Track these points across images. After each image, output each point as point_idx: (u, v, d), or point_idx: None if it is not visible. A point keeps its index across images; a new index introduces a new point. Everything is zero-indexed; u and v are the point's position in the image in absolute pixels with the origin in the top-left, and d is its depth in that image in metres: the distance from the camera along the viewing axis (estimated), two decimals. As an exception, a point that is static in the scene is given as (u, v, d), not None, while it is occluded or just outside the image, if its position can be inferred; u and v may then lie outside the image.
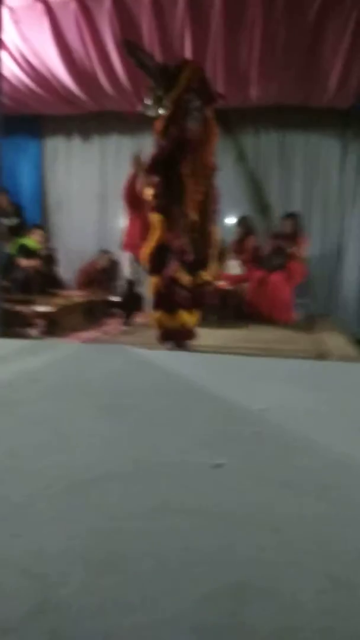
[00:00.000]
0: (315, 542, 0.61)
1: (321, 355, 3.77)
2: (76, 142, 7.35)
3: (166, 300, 3.45)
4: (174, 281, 3.38)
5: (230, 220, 6.59)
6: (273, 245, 5.71)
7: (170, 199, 3.39)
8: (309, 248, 6.23)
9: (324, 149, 6.57)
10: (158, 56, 5.13)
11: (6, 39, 4.95)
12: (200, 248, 3.51)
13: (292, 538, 0.61)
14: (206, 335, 4.71)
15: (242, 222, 6.30)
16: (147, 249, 3.57)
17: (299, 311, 6.04)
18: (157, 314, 3.50)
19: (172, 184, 3.38)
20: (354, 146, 6.47)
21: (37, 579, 0.51)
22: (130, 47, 3.64)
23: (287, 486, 0.75)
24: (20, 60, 5.69)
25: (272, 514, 0.67)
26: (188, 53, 5.24)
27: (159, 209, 3.46)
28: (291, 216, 5.89)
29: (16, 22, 5.14)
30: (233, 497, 0.71)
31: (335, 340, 4.63)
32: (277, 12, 4.77)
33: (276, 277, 5.52)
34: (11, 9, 4.95)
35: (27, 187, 7.41)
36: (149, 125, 3.76)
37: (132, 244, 5.21)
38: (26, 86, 6.13)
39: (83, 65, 5.63)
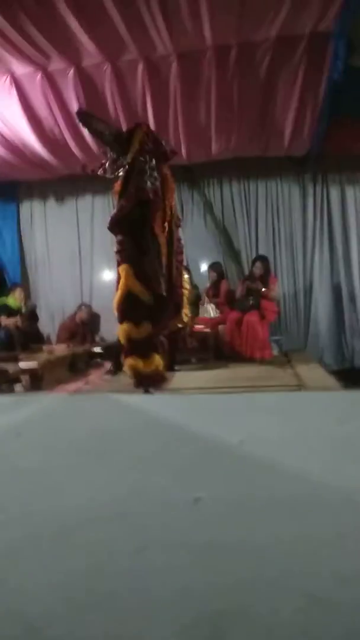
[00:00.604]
0: (292, 563, 0.63)
1: (301, 388, 3.91)
2: (51, 204, 7.62)
3: (141, 346, 3.50)
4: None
5: (204, 266, 6.86)
6: (245, 287, 5.92)
7: (139, 253, 3.50)
8: (280, 287, 6.49)
9: (284, 194, 6.92)
10: (122, 120, 5.49)
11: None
12: (170, 296, 3.60)
13: (271, 561, 0.63)
14: (190, 378, 4.85)
15: (215, 267, 6.53)
16: (116, 298, 3.64)
17: (275, 348, 6.23)
18: (131, 360, 3.51)
19: (141, 239, 3.49)
20: (311, 190, 6.84)
21: (24, 620, 0.53)
22: (83, 117, 3.76)
23: (264, 513, 0.77)
24: (-8, 130, 5.91)
25: (250, 540, 0.69)
26: (150, 116, 5.57)
27: (125, 261, 3.55)
28: (260, 259, 6.12)
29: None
30: (212, 528, 0.73)
31: (313, 373, 4.74)
32: (229, 72, 5.10)
33: (251, 317, 5.70)
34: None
35: (6, 248, 7.61)
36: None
37: None
38: (0, 155, 6.39)
39: (52, 133, 5.87)
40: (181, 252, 3.80)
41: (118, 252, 3.61)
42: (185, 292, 3.78)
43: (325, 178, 6.83)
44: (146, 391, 3.33)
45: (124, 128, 5.23)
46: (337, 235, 6.83)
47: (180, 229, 3.90)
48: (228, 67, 5.07)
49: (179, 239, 3.83)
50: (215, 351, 5.87)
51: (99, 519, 0.76)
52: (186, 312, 3.68)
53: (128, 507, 0.80)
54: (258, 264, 6.00)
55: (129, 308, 3.50)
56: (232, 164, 6.73)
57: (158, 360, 3.58)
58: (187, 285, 3.82)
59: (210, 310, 6.38)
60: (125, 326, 3.52)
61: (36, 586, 0.59)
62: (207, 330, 5.96)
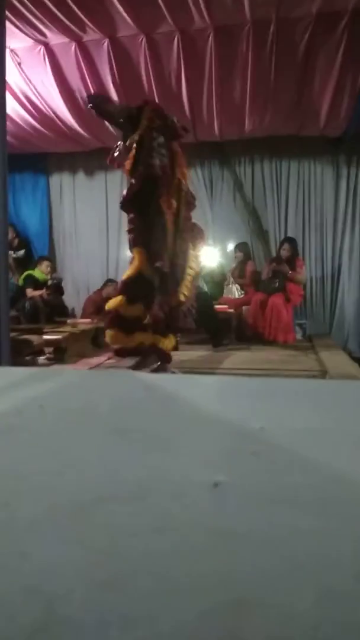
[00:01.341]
0: (312, 555, 0.61)
1: (324, 374, 3.90)
2: (81, 177, 7.61)
3: (127, 323, 3.59)
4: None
5: (230, 246, 6.81)
6: (271, 269, 5.87)
7: (148, 232, 3.53)
8: (307, 270, 6.42)
9: (317, 175, 6.77)
10: (155, 94, 5.43)
11: (10, 80, 5.19)
12: (175, 272, 3.61)
13: (289, 552, 0.62)
14: (207, 359, 4.87)
15: (241, 247, 6.48)
16: (125, 274, 3.71)
17: (299, 332, 6.19)
18: (111, 332, 3.65)
19: (149, 218, 3.51)
20: (345, 171, 6.68)
21: (42, 595, 0.53)
22: (93, 101, 3.71)
23: (284, 502, 0.75)
24: (24, 101, 5.94)
25: (269, 529, 0.67)
26: (184, 90, 5.51)
27: (136, 242, 3.60)
28: (288, 240, 6.06)
29: (19, 64, 5.39)
30: (231, 514, 0.72)
31: (336, 359, 4.71)
32: (266, 49, 4.99)
33: (276, 300, 5.66)
34: (13, 51, 5.21)
35: (35, 220, 7.67)
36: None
37: None
38: (31, 126, 6.39)
39: (85, 105, 5.88)
40: (189, 230, 3.78)
41: (129, 230, 3.65)
42: (191, 271, 3.75)
43: (360, 161, 6.67)
44: (167, 370, 3.44)
45: (157, 101, 5.22)
46: (368, 220, 6.69)
47: (192, 207, 3.86)
48: (266, 43, 4.95)
49: (189, 218, 3.80)
50: (238, 332, 5.85)
51: (118, 498, 0.76)
52: (184, 291, 3.66)
53: (147, 487, 0.80)
54: (286, 246, 5.94)
55: (132, 287, 3.58)
56: (264, 142, 6.62)
57: (141, 337, 3.63)
58: (194, 265, 3.79)
59: (235, 290, 6.36)
60: (119, 299, 3.60)
61: (55, 562, 0.59)
62: (231, 310, 5.94)
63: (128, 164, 3.53)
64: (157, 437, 1.08)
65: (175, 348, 3.93)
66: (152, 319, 3.55)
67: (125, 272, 3.75)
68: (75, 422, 1.19)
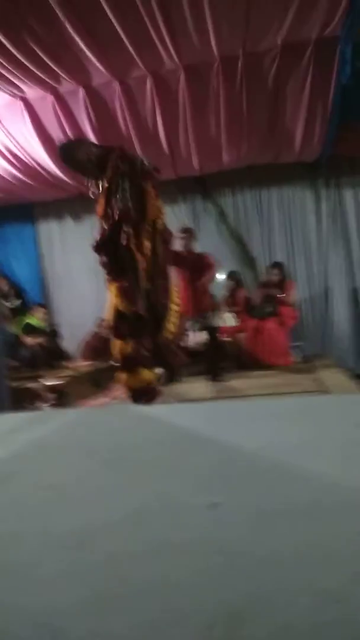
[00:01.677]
0: (309, 563, 0.62)
1: (324, 394, 3.90)
2: (68, 222, 7.74)
3: (128, 362, 3.54)
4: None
5: (221, 275, 6.86)
6: (263, 294, 5.92)
7: (121, 273, 3.54)
8: (297, 293, 6.48)
9: (298, 199, 6.92)
10: (133, 136, 5.57)
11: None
12: (151, 314, 3.60)
13: (287, 562, 0.63)
14: (209, 388, 4.86)
15: (231, 276, 6.55)
16: (107, 315, 3.72)
17: (295, 354, 6.20)
18: (122, 376, 3.59)
19: (121, 260, 3.52)
20: (325, 193, 6.83)
21: (48, 627, 0.54)
22: (62, 152, 3.83)
23: (280, 517, 0.76)
24: (6, 153, 6.08)
25: (267, 543, 0.69)
26: (160, 130, 5.65)
27: (112, 281, 3.60)
28: (276, 265, 6.13)
29: (-1, 119, 5.56)
30: (229, 533, 0.73)
31: (335, 378, 4.72)
32: (237, 83, 5.15)
33: (270, 324, 5.69)
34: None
35: (26, 269, 7.75)
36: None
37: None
38: (15, 177, 6.51)
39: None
40: (165, 268, 3.82)
41: (106, 273, 3.66)
42: (175, 307, 3.79)
43: (338, 182, 6.82)
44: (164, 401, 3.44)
45: (135, 143, 5.34)
46: (352, 238, 6.79)
47: (169, 244, 3.91)
48: (235, 77, 5.11)
49: (167, 254, 3.84)
50: (236, 360, 5.85)
51: (117, 524, 0.78)
52: (170, 328, 3.69)
53: (144, 513, 0.81)
54: (275, 270, 6.02)
55: (117, 325, 3.58)
56: (244, 172, 6.77)
57: (147, 374, 3.59)
58: (177, 301, 3.85)
59: (228, 318, 6.38)
60: (117, 343, 3.60)
61: (58, 592, 0.61)
62: (228, 339, 5.95)
63: (100, 208, 3.60)
64: (152, 464, 1.10)
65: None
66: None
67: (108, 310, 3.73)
68: (74, 459, 1.21)
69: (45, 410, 4.03)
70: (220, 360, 5.31)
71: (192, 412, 1.72)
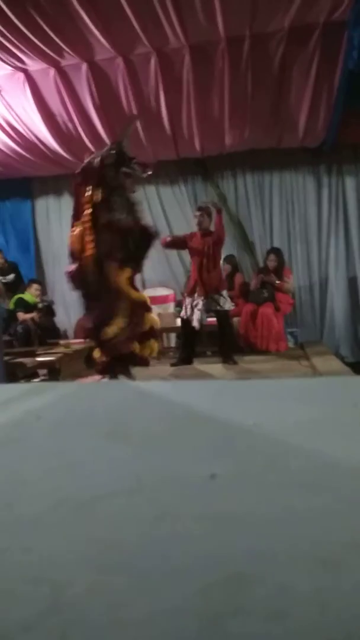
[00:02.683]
0: (305, 532, 0.64)
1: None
2: (67, 199, 7.64)
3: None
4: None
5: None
6: (260, 279, 5.93)
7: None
8: (295, 279, 6.48)
9: (299, 185, 6.86)
10: (136, 113, 5.51)
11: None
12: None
13: (286, 530, 0.64)
14: (208, 369, 4.90)
15: (228, 260, 6.53)
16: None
17: (290, 340, 6.23)
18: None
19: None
20: (327, 180, 6.78)
21: (48, 583, 0.55)
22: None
23: (279, 486, 0.78)
24: (5, 127, 6.00)
25: (266, 510, 0.70)
26: (163, 108, 5.59)
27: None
28: (274, 251, 6.13)
29: (-1, 91, 5.49)
30: (227, 501, 0.74)
31: (329, 365, 4.76)
32: (242, 64, 5.09)
33: (266, 310, 5.71)
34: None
35: (22, 245, 7.69)
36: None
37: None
38: (14, 151, 6.44)
39: (66, 128, 5.91)
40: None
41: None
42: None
43: (341, 169, 6.77)
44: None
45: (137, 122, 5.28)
46: (352, 226, 6.76)
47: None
48: (241, 58, 5.06)
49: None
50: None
51: (117, 493, 0.79)
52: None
53: (145, 482, 0.83)
54: (272, 257, 6.01)
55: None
56: (246, 156, 6.72)
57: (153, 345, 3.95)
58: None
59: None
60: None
61: (60, 553, 0.63)
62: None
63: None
64: (153, 437, 1.10)
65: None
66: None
67: None
68: (72, 430, 1.22)
69: (41, 383, 4.07)
70: (231, 344, 5.37)
71: (190, 389, 1.73)
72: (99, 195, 3.63)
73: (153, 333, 4.01)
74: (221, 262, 6.57)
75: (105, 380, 4.11)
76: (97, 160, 3.71)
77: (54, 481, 0.87)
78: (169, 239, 5.53)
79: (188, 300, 5.20)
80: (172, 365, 5.16)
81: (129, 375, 3.79)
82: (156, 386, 1.93)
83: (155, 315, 4.36)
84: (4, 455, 1.05)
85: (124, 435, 1.11)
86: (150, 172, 4.00)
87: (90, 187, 3.67)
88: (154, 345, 4.01)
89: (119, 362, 3.84)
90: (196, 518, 0.70)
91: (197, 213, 5.30)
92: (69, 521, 0.71)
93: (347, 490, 0.77)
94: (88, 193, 3.67)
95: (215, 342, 5.57)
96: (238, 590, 0.53)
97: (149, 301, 4.05)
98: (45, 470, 0.93)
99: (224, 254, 6.65)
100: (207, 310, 5.17)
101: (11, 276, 6.93)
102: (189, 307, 5.17)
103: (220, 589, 0.53)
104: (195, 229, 5.31)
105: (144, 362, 4.00)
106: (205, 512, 0.71)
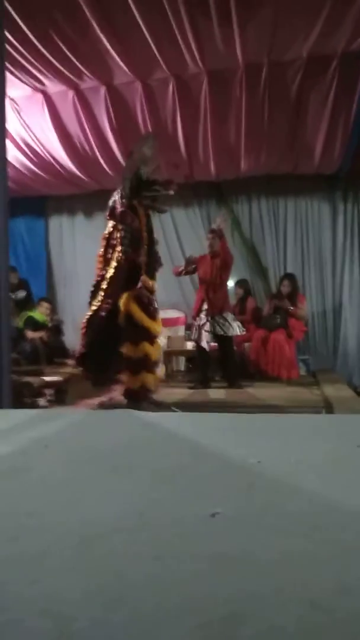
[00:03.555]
0: (301, 575, 0.66)
1: (329, 410, 3.85)
2: (80, 219, 7.71)
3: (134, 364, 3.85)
4: None
5: (229, 283, 6.82)
6: (272, 305, 5.88)
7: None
8: (308, 306, 6.42)
9: (314, 211, 6.84)
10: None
11: (9, 127, 5.27)
12: None
13: (280, 573, 0.67)
14: (215, 395, 4.83)
15: (241, 284, 6.50)
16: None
17: (302, 367, 6.15)
18: (125, 376, 3.89)
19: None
20: (342, 207, 6.75)
21: (54, 617, 0.58)
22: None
23: (277, 530, 0.81)
24: (23, 147, 6.10)
25: (262, 554, 0.72)
26: (180, 133, 5.62)
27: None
28: (288, 277, 6.09)
29: (18, 111, 5.56)
30: (227, 541, 0.77)
31: (341, 394, 4.68)
32: (259, 91, 5.12)
33: (278, 336, 5.65)
34: (13, 100, 5.37)
35: (33, 263, 7.73)
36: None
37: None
38: (30, 170, 6.53)
39: (83, 149, 5.99)
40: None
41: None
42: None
43: (356, 196, 6.74)
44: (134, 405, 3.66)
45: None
46: (367, 254, 6.72)
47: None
48: (258, 85, 5.09)
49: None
50: (241, 369, 5.80)
51: (121, 529, 0.82)
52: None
53: (147, 519, 0.85)
54: (286, 282, 5.97)
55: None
56: (261, 181, 6.72)
57: (147, 378, 3.87)
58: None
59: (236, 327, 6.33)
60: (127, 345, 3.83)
61: (64, 587, 0.65)
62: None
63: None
64: (157, 473, 1.13)
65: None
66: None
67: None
68: (78, 461, 1.24)
69: (48, 409, 4.11)
70: (236, 369, 5.37)
71: (196, 423, 1.75)
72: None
73: (146, 363, 3.89)
74: (232, 284, 6.58)
75: (114, 404, 4.10)
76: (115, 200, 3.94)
77: (59, 515, 0.90)
78: (180, 268, 5.57)
79: (195, 322, 5.24)
80: (190, 388, 5.14)
81: (149, 404, 3.79)
82: (163, 418, 1.94)
83: (164, 338, 4.33)
84: (12, 484, 1.07)
85: (129, 470, 1.13)
86: (175, 190, 4.02)
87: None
88: (148, 377, 3.88)
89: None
90: (195, 558, 0.72)
91: (210, 235, 5.36)
92: (72, 556, 0.74)
93: (343, 535, 0.79)
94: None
95: (219, 367, 5.53)
96: (232, 630, 0.55)
97: (154, 328, 3.99)
98: (51, 503, 0.96)
99: (236, 278, 6.66)
100: (211, 333, 5.18)
101: (22, 294, 6.95)
102: (197, 329, 5.20)
103: (215, 628, 0.56)
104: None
105: (135, 394, 3.87)
106: (203, 553, 0.74)
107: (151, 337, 3.91)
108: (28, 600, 0.61)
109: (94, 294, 4.07)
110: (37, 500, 0.97)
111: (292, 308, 5.78)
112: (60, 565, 0.71)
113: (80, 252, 7.64)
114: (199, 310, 5.23)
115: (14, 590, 0.63)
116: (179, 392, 4.91)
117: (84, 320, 4.12)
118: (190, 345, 6.14)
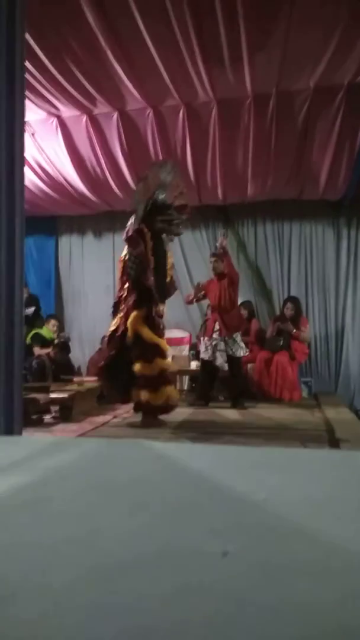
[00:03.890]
0: (308, 619, 0.67)
1: (331, 433, 3.90)
2: (89, 239, 7.85)
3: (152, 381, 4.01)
4: None
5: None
6: (276, 327, 5.95)
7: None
8: (311, 329, 6.50)
9: (318, 236, 6.95)
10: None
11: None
12: None
13: (287, 616, 0.68)
14: (220, 414, 4.89)
15: (245, 306, 6.56)
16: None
17: (304, 389, 6.20)
18: (144, 393, 4.02)
19: None
20: (346, 233, 6.85)
21: None
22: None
23: (283, 571, 0.82)
24: (36, 168, 6.26)
25: (267, 596, 0.73)
26: (189, 158, 5.77)
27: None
28: (291, 299, 6.17)
29: (32, 134, 5.73)
30: (238, 581, 0.79)
31: (342, 417, 4.70)
32: (267, 120, 5.27)
33: (281, 358, 5.71)
34: (27, 123, 5.45)
35: (43, 280, 7.85)
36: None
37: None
38: (42, 191, 6.68)
39: (94, 172, 6.15)
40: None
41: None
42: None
43: (360, 222, 6.87)
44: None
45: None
46: (370, 278, 6.81)
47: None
48: (266, 114, 5.23)
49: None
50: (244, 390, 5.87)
51: (138, 563, 0.85)
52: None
53: (163, 554, 0.88)
54: (289, 305, 6.05)
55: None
56: (266, 205, 6.85)
57: (170, 391, 4.07)
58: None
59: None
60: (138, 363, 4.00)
61: (85, 621, 0.68)
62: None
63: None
64: (170, 508, 1.16)
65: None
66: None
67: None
68: (96, 494, 1.27)
69: (63, 438, 4.15)
70: (240, 389, 5.43)
71: (204, 455, 1.77)
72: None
73: (165, 378, 4.03)
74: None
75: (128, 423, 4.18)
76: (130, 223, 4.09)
77: (80, 548, 0.92)
78: (191, 297, 5.71)
79: (207, 342, 5.29)
80: (190, 405, 5.21)
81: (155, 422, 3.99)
82: (175, 450, 1.96)
83: (169, 357, 4.42)
84: (35, 514, 1.10)
85: (144, 504, 1.16)
86: (189, 215, 4.18)
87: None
88: (170, 391, 4.04)
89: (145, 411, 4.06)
90: (208, 599, 0.74)
91: (212, 259, 5.45)
92: (93, 590, 0.76)
93: (345, 579, 0.80)
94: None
95: (225, 387, 5.59)
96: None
97: (163, 344, 4.09)
98: (71, 538, 0.98)
99: (241, 299, 6.73)
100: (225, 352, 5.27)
101: (31, 309, 7.04)
102: (209, 348, 5.26)
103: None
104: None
105: (162, 410, 4.05)
106: (216, 592, 0.75)
107: (162, 352, 4.07)
108: (50, 634, 0.64)
109: (114, 314, 4.26)
110: (60, 532, 1.00)
111: (295, 331, 5.86)
112: (81, 600, 0.74)
113: (88, 271, 7.77)
114: (212, 331, 5.31)
115: (32, 630, 0.66)
116: (181, 412, 4.96)
117: (107, 337, 4.34)
118: (194, 364, 6.21)
